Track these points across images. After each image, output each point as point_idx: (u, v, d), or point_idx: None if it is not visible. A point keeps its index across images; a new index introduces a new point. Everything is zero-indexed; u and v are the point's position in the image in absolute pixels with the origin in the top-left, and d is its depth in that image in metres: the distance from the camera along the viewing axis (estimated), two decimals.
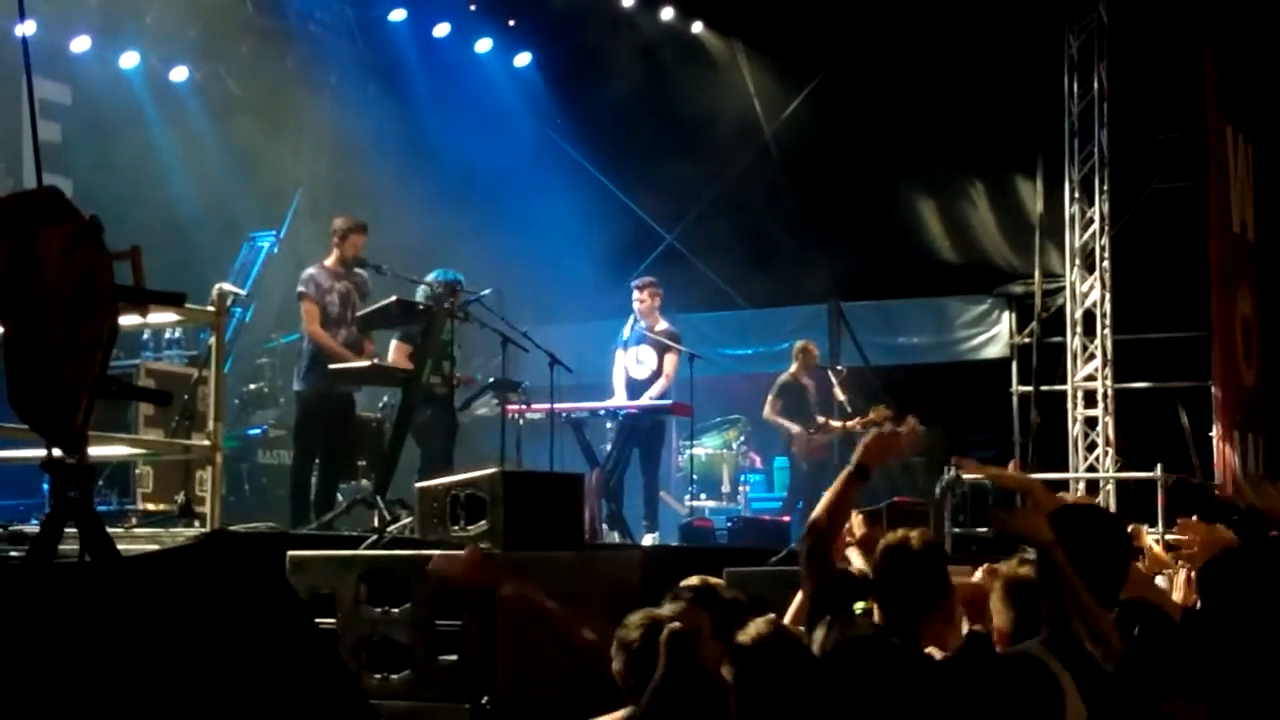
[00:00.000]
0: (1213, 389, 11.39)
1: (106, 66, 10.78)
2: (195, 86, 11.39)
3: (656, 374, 9.52)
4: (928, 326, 13.33)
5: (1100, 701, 3.25)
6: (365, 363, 7.87)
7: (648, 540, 8.87)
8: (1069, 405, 12.03)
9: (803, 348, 10.91)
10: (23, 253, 3.05)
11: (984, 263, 13.09)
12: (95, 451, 3.50)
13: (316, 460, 8.00)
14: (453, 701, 4.73)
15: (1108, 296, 11.96)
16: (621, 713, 3.56)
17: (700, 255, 13.20)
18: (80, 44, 10.48)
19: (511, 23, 12.77)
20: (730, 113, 13.08)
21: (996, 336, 13.06)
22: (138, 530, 6.58)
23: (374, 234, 8.29)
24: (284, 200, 10.95)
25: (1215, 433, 11.39)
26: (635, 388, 9.53)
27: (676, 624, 3.50)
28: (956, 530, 9.84)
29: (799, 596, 4.26)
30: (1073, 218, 12.13)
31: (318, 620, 4.68)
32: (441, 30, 12.40)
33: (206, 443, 6.24)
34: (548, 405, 8.84)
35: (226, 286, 7.10)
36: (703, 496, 10.97)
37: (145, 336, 8.63)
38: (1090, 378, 11.99)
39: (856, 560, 4.13)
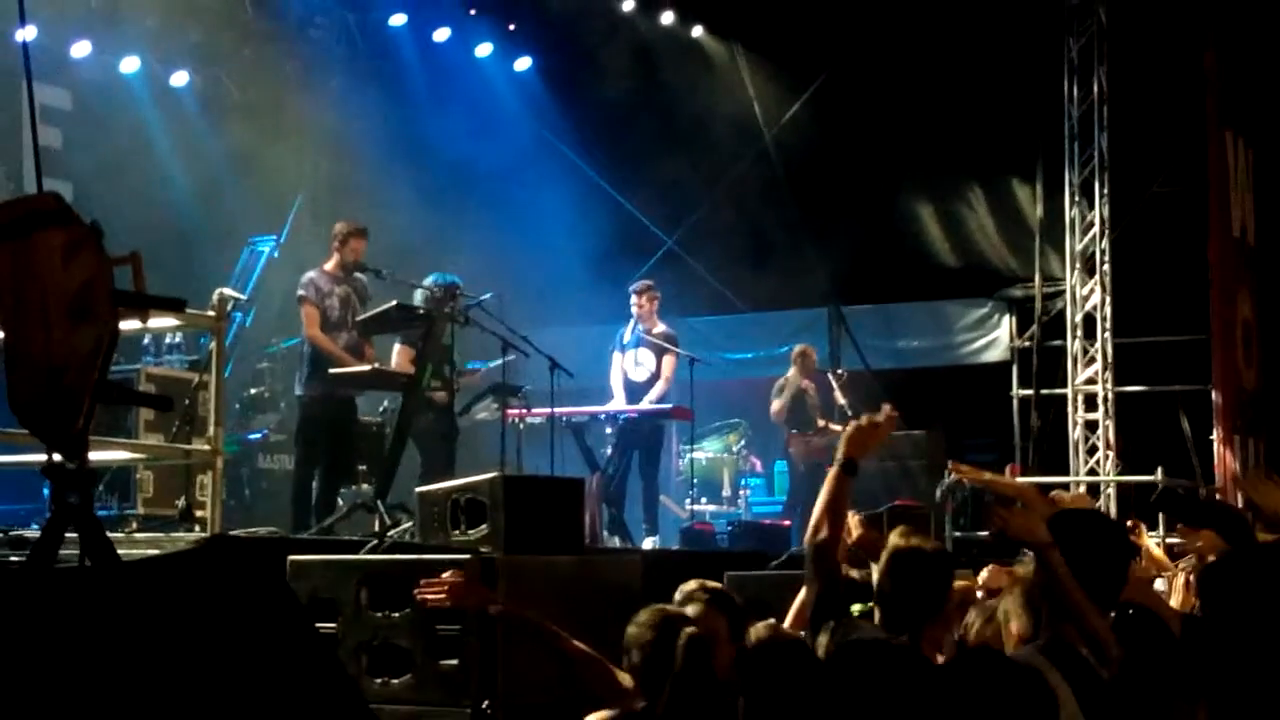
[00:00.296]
0: (1213, 392, 11.39)
1: (107, 71, 10.79)
2: (196, 91, 11.41)
3: (655, 376, 9.54)
4: (928, 330, 13.34)
5: (1098, 708, 3.24)
6: (366, 367, 7.87)
7: (648, 544, 8.87)
8: (1069, 409, 12.03)
9: (801, 351, 10.93)
10: (23, 258, 3.05)
11: (984, 266, 13.09)
12: (96, 456, 3.51)
13: (317, 465, 8.00)
14: (454, 706, 4.73)
15: (1108, 300, 11.97)
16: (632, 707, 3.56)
17: (700, 259, 13.20)
18: (81, 49, 10.49)
19: (511, 27, 12.78)
20: (730, 116, 13.09)
21: (997, 340, 13.06)
22: (138, 535, 6.59)
23: (374, 238, 8.30)
24: (284, 205, 10.97)
25: (1215, 436, 11.39)
26: (634, 390, 9.54)
27: (692, 628, 3.51)
28: (957, 534, 9.85)
29: (799, 599, 4.26)
30: (1073, 221, 12.13)
31: (319, 625, 4.68)
32: (441, 35, 12.40)
33: (207, 447, 6.24)
34: (548, 409, 8.84)
35: (227, 291, 7.10)
36: (703, 500, 10.97)
37: (146, 341, 8.63)
38: (1091, 381, 11.99)
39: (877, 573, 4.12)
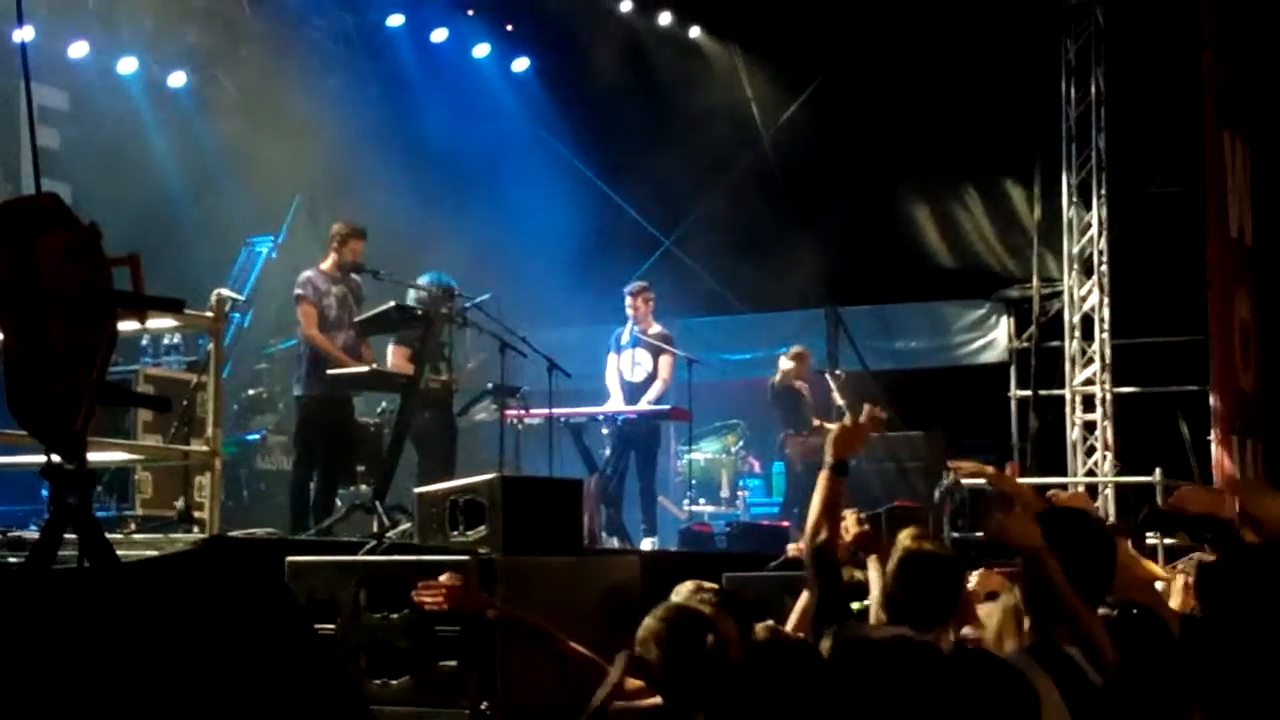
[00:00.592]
0: (1210, 393, 11.39)
1: (105, 72, 10.78)
2: (193, 92, 11.40)
3: (652, 377, 9.56)
4: (926, 331, 13.34)
5: (1088, 712, 3.24)
6: (365, 368, 7.87)
7: (646, 545, 8.87)
8: (1067, 410, 12.03)
9: (798, 353, 10.93)
10: (22, 259, 3.05)
11: (981, 267, 13.10)
12: (94, 457, 3.50)
13: (315, 466, 7.99)
14: (452, 707, 4.73)
15: (1106, 301, 11.97)
16: (649, 702, 3.57)
17: (698, 259, 13.20)
18: (78, 49, 10.48)
19: (509, 28, 12.77)
20: (727, 117, 13.09)
21: (995, 341, 13.06)
22: (136, 536, 6.58)
23: (371, 239, 8.30)
24: (282, 205, 10.95)
25: (1213, 437, 11.40)
26: (632, 391, 9.55)
27: (711, 636, 3.52)
28: (955, 535, 9.84)
29: (801, 601, 4.26)
30: (1070, 222, 12.13)
31: (317, 626, 4.67)
32: (439, 35, 12.40)
33: (205, 448, 6.24)
34: (546, 410, 8.84)
35: (225, 292, 7.11)
36: (701, 501, 10.97)
37: (144, 342, 8.63)
38: (1089, 382, 12.00)
39: (872, 572, 4.12)
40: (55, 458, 3.06)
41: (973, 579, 4.37)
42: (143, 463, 7.43)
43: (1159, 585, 4.87)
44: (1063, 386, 12.09)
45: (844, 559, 3.96)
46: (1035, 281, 12.56)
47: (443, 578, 4.30)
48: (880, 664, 3.31)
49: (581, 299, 11.89)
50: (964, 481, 10.06)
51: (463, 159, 12.18)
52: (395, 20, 12.15)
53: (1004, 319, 13.01)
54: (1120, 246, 12.03)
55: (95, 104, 10.68)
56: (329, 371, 7.78)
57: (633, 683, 3.72)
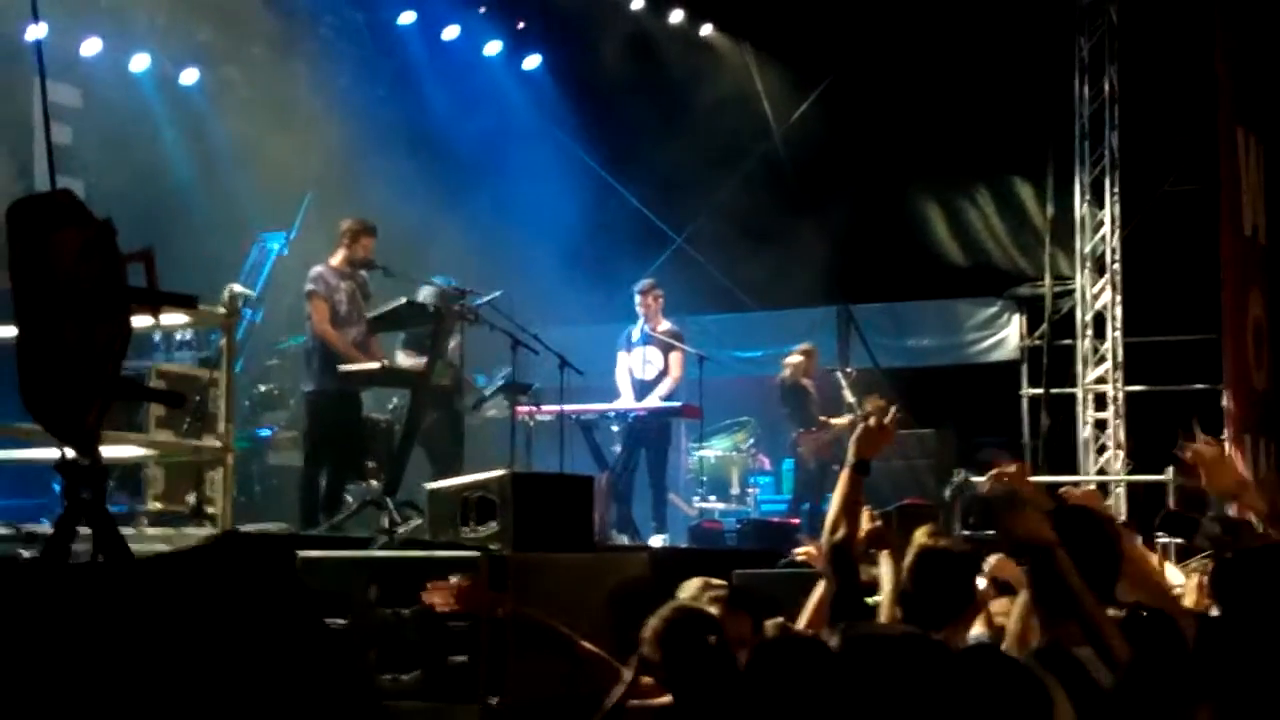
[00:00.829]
0: (1223, 392, 11.36)
1: (117, 69, 10.81)
2: (206, 89, 11.42)
3: (663, 374, 9.58)
4: (937, 329, 13.32)
5: (1095, 713, 3.23)
6: (375, 365, 7.88)
7: (656, 542, 8.87)
8: (1079, 408, 12.01)
9: (806, 350, 10.91)
10: (37, 255, 3.06)
11: (993, 265, 13.07)
12: (107, 452, 3.52)
13: (325, 462, 8.01)
14: (463, 702, 4.74)
15: (1118, 299, 11.94)
16: (660, 700, 3.57)
17: (709, 257, 13.20)
18: (91, 46, 10.51)
19: (521, 25, 12.78)
20: (739, 115, 13.08)
21: (1006, 339, 13.04)
22: (149, 531, 6.61)
23: (383, 236, 8.32)
24: (294, 202, 10.97)
25: (1225, 436, 11.35)
26: (643, 389, 9.57)
27: (713, 634, 3.52)
28: (966, 533, 9.82)
29: (814, 598, 4.26)
30: (1083, 220, 12.10)
31: (328, 621, 4.69)
32: (451, 33, 12.40)
33: (217, 444, 6.26)
34: (557, 407, 8.85)
35: (237, 288, 7.14)
36: (711, 498, 10.97)
37: (157, 337, 8.65)
38: (1101, 380, 11.97)
39: (884, 568, 4.12)
40: (69, 452, 3.07)
41: (990, 562, 4.37)
42: (155, 458, 7.45)
43: (1178, 583, 4.86)
44: (1074, 385, 12.06)
45: (860, 557, 3.96)
46: (1047, 279, 12.53)
47: (453, 579, 4.31)
48: (889, 662, 3.31)
49: (592, 296, 11.89)
50: (973, 480, 10.06)
51: (474, 156, 12.18)
52: (407, 18, 12.16)
53: (1016, 317, 12.98)
54: (1133, 244, 11.99)
55: (108, 101, 10.70)
56: (340, 368, 7.80)
57: (647, 680, 3.72)
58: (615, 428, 9.64)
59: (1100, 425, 11.92)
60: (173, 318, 6.52)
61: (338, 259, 8.12)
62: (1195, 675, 3.34)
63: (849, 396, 10.83)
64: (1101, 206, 12.02)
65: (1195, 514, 4.61)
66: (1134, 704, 3.24)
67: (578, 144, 13.02)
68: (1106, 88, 11.94)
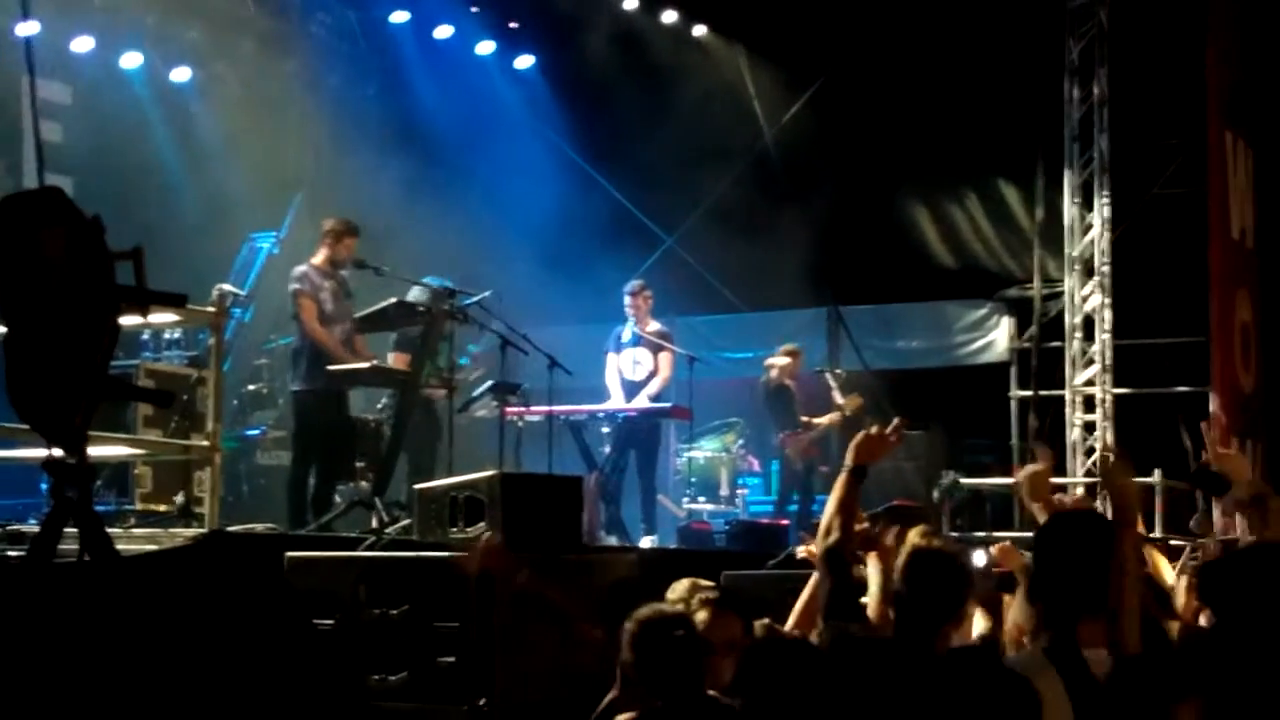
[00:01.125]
0: (1211, 395, 11.39)
1: (108, 67, 10.79)
2: (197, 87, 11.40)
3: (653, 374, 9.59)
4: (927, 330, 13.34)
5: (1092, 712, 3.23)
6: (365, 364, 7.88)
7: (646, 543, 8.88)
8: (1068, 410, 12.03)
9: (790, 350, 10.92)
10: (25, 252, 3.06)
11: (983, 267, 13.10)
12: (95, 451, 3.51)
13: (313, 461, 8.00)
14: (450, 703, 4.74)
15: (1107, 302, 11.97)
16: (629, 715, 3.56)
17: (700, 258, 13.20)
18: (82, 44, 10.49)
19: (513, 25, 12.77)
20: (731, 116, 13.09)
21: (995, 341, 13.07)
22: (136, 530, 6.58)
23: (374, 236, 8.31)
24: (284, 201, 10.96)
25: (1213, 439, 11.38)
26: (633, 389, 9.57)
27: (682, 630, 3.51)
28: (955, 534, 9.85)
29: (801, 599, 4.27)
30: (1072, 223, 12.13)
31: (316, 621, 4.68)
32: (443, 32, 12.39)
33: (205, 443, 6.25)
34: (546, 408, 8.84)
35: (226, 287, 7.13)
36: (700, 499, 10.97)
37: (145, 337, 8.63)
38: (1089, 383, 12.00)
39: (872, 570, 4.12)
40: (56, 451, 3.07)
41: (993, 552, 4.37)
42: (143, 457, 7.44)
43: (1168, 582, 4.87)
44: (1063, 387, 12.09)
45: (853, 559, 3.96)
46: (1036, 282, 12.56)
47: (483, 536, 4.32)
48: (873, 663, 3.32)
49: (582, 297, 11.89)
50: (964, 481, 10.09)
51: (465, 156, 12.17)
52: (399, 17, 12.15)
53: (1005, 319, 13.01)
54: (1122, 247, 12.02)
55: (98, 99, 10.68)
56: (329, 368, 7.79)
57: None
58: (604, 428, 9.64)
59: (1089, 427, 11.95)
60: (161, 316, 6.52)
61: (319, 258, 8.10)
62: (1179, 674, 3.36)
63: (839, 398, 10.85)
64: (1091, 209, 12.05)
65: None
66: (1120, 701, 3.25)
67: (568, 144, 13.01)
68: (1096, 90, 11.97)
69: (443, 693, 4.75)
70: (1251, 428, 11.67)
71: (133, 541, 5.75)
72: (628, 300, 9.76)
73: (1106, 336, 11.96)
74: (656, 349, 9.62)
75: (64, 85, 10.48)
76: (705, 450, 11.47)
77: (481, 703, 4.68)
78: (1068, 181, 12.11)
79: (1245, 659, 3.37)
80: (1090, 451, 11.90)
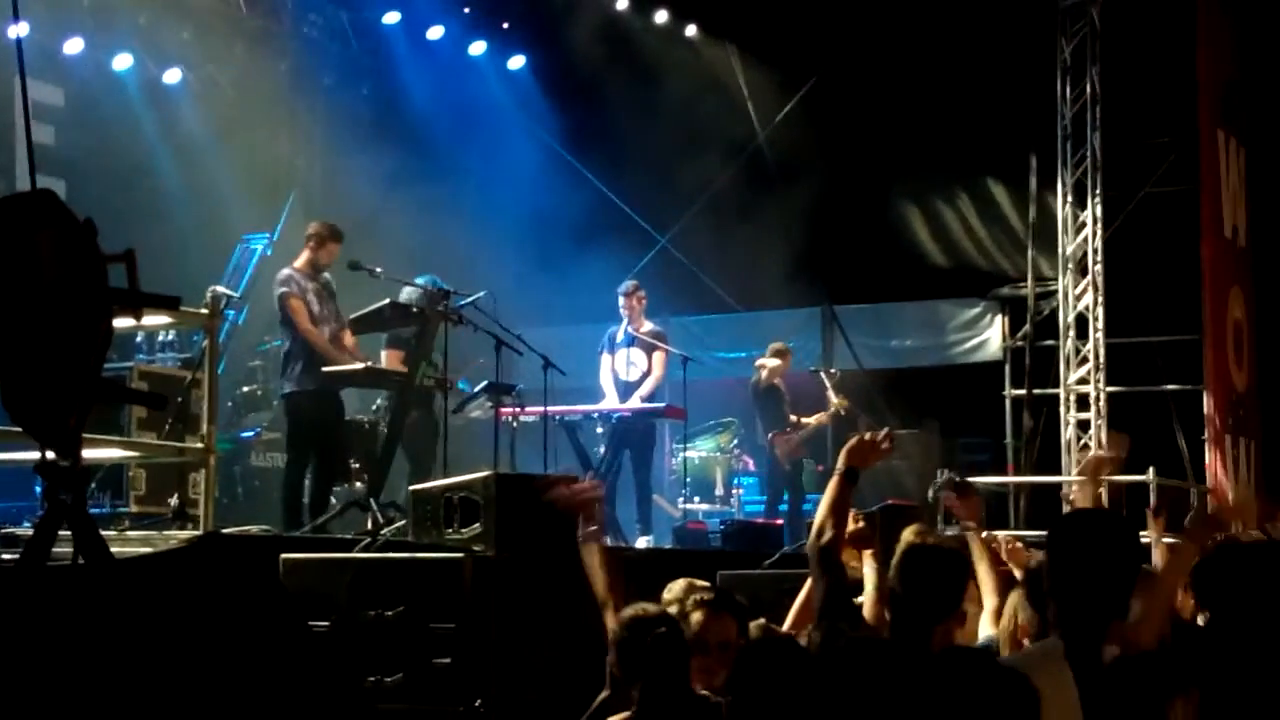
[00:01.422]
0: (1204, 393, 11.42)
1: (100, 68, 10.77)
2: (189, 88, 11.39)
3: (647, 375, 9.59)
4: (920, 329, 13.36)
5: (1097, 709, 3.23)
6: (359, 365, 7.87)
7: (641, 543, 8.88)
8: (1061, 409, 12.05)
9: (779, 349, 10.92)
10: (16, 255, 3.05)
11: (976, 266, 13.12)
12: (89, 454, 3.51)
13: (308, 462, 7.98)
14: (446, 704, 4.73)
15: (1100, 300, 11.99)
16: (621, 716, 3.56)
17: (693, 258, 13.21)
18: (73, 45, 10.47)
19: (505, 25, 12.77)
20: (723, 116, 13.10)
21: (989, 340, 13.08)
22: (131, 533, 6.57)
23: (367, 237, 8.31)
24: (277, 203, 10.95)
25: (1206, 437, 11.42)
26: (627, 390, 9.58)
27: (662, 628, 3.50)
28: (949, 533, 9.85)
29: (799, 599, 4.27)
30: (1065, 221, 12.15)
31: (311, 623, 4.68)
32: (435, 33, 12.39)
33: (200, 445, 6.24)
34: (541, 408, 8.84)
35: (220, 289, 7.11)
36: (696, 499, 10.98)
37: (138, 339, 8.62)
38: (1083, 381, 12.01)
39: (867, 569, 4.13)
40: (50, 454, 3.06)
41: (1004, 549, 4.37)
42: (137, 459, 7.43)
43: None
44: (1057, 385, 12.11)
45: (846, 559, 3.97)
46: (1030, 280, 12.58)
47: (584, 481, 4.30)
48: (865, 663, 3.31)
49: (577, 297, 11.90)
50: (959, 480, 10.05)
51: (457, 156, 12.17)
52: (391, 17, 12.14)
53: (998, 318, 13.03)
54: (1115, 246, 12.05)
55: (90, 100, 10.67)
56: (324, 369, 7.78)
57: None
58: (599, 429, 9.64)
59: (1082, 426, 11.97)
60: (155, 319, 6.50)
61: (301, 261, 8.09)
62: (1173, 670, 3.36)
63: (833, 398, 10.85)
64: (1083, 208, 12.07)
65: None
66: (1113, 697, 3.25)
67: (561, 144, 13.02)
68: (1088, 89, 11.99)
69: (438, 694, 4.74)
70: (1244, 425, 11.70)
71: (127, 544, 5.73)
72: (622, 300, 9.77)
73: (1099, 335, 11.97)
74: (651, 349, 9.63)
75: (55, 87, 10.47)
76: (700, 450, 11.48)
77: (477, 704, 4.68)
78: (1060, 180, 12.13)
79: (1239, 655, 3.38)
80: (1085, 450, 11.92)
